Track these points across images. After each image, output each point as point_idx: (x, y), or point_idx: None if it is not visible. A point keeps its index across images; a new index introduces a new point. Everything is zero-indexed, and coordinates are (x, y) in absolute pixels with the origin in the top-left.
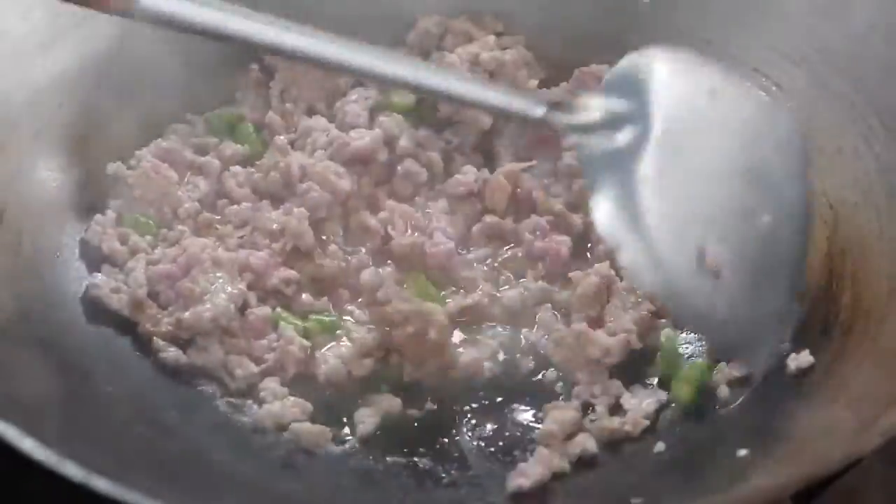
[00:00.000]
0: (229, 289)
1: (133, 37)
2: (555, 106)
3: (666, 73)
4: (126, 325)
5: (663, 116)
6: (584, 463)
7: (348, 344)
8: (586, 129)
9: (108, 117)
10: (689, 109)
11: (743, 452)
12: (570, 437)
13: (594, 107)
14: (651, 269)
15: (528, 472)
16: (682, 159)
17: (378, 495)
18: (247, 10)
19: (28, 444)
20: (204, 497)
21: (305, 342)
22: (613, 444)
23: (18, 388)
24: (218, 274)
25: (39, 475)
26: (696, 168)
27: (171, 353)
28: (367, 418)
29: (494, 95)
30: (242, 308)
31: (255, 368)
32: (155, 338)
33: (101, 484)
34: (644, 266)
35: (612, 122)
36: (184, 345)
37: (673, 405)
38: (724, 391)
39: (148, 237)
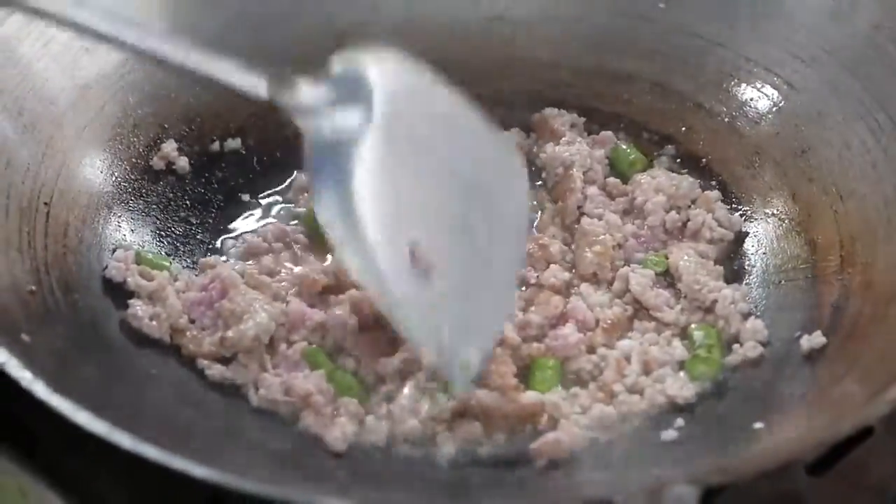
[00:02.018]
0: (268, 307)
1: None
2: (279, 84)
3: (387, 71)
4: None
5: (384, 111)
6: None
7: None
8: (311, 111)
9: (148, 117)
10: (408, 105)
11: (759, 425)
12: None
13: (318, 92)
14: (367, 263)
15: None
16: (402, 153)
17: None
18: None
19: (83, 417)
20: (244, 470)
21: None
22: (632, 418)
23: (69, 367)
24: (254, 295)
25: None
26: (414, 165)
27: (217, 369)
28: None
29: (221, 68)
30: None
31: (281, 395)
32: (198, 358)
33: (149, 451)
34: (362, 261)
35: (335, 108)
36: (226, 361)
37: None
38: (739, 369)
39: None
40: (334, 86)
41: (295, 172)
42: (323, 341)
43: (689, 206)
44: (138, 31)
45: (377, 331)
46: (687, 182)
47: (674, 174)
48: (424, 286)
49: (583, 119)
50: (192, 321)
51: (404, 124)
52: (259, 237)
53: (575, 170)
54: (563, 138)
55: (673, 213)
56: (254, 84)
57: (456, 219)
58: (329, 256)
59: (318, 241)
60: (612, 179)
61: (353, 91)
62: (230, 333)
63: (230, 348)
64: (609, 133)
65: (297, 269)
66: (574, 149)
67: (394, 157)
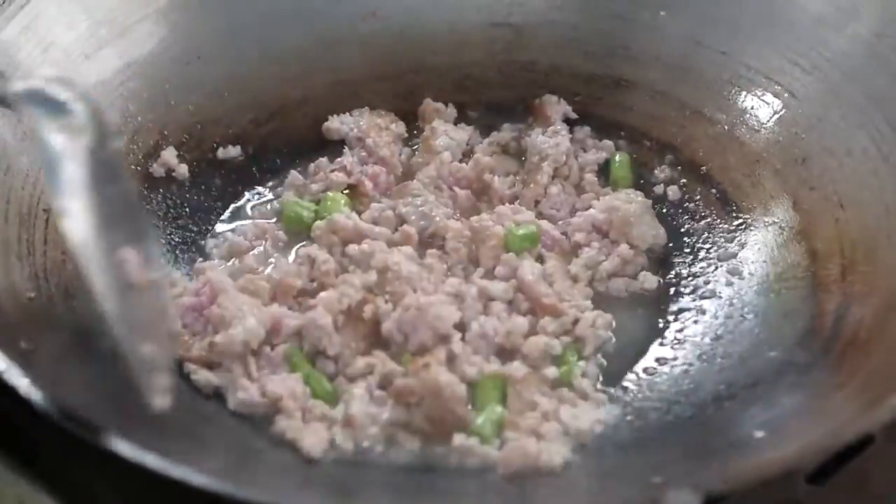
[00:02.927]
0: (256, 311)
1: (173, 46)
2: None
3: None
4: None
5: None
6: (605, 444)
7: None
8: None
9: (147, 124)
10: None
11: (759, 434)
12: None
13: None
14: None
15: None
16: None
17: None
18: None
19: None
20: (245, 479)
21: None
22: (633, 427)
23: (69, 374)
24: (242, 301)
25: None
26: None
27: (203, 375)
28: None
29: None
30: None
31: (257, 398)
32: (186, 362)
33: (149, 459)
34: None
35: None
36: (215, 367)
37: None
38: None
39: None
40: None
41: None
42: (303, 344)
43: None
44: None
45: (356, 330)
46: (648, 231)
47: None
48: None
49: (575, 116)
50: (185, 326)
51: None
52: (240, 235)
53: (546, 164)
54: (551, 127)
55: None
56: None
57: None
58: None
59: (297, 238)
60: (590, 177)
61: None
62: (218, 338)
63: (218, 354)
64: (609, 143)
65: (273, 273)
66: (554, 141)
67: (97, 173)
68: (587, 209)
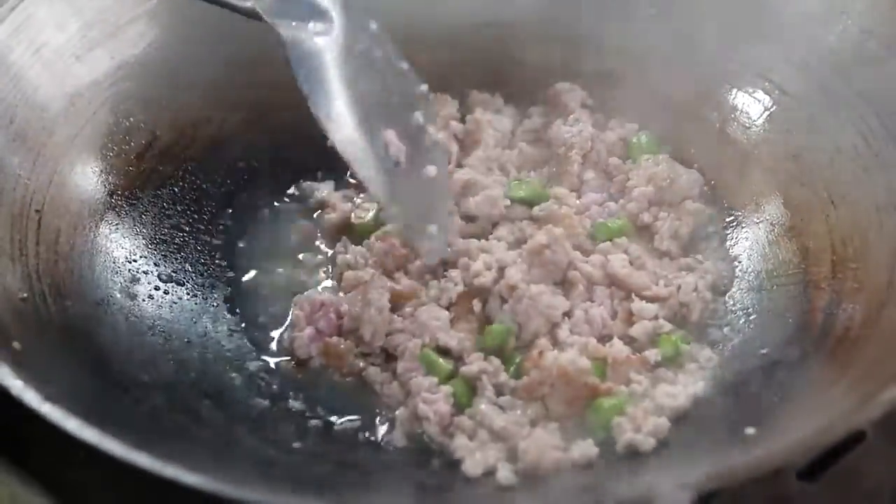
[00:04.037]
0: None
1: (164, 46)
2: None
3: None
4: (154, 321)
5: (341, 23)
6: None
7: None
8: (282, 14)
9: (139, 124)
10: (354, 24)
11: (750, 431)
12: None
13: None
14: (356, 151)
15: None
16: (359, 62)
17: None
18: None
19: (73, 425)
20: (235, 476)
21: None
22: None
23: (61, 374)
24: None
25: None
26: (367, 74)
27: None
28: None
29: None
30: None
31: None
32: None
33: (141, 459)
34: (350, 148)
35: (305, 15)
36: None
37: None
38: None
39: None
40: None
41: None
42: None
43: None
44: None
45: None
46: (686, 177)
47: (679, 167)
48: (397, 175)
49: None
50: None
51: (355, 39)
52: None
53: (574, 152)
54: (572, 115)
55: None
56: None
57: (400, 124)
58: None
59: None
60: (613, 160)
61: (313, 8)
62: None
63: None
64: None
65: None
66: (577, 129)
67: (354, 64)
68: (625, 190)
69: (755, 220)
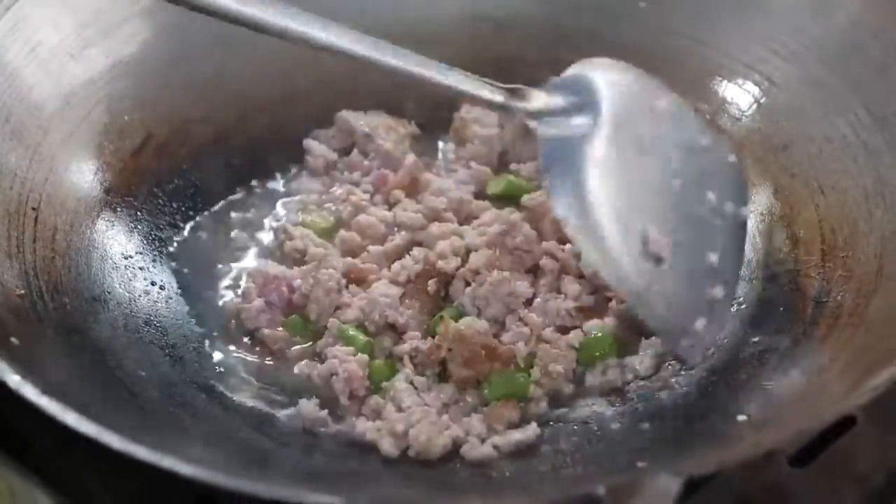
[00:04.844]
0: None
1: (159, 45)
2: (512, 93)
3: (613, 77)
4: (150, 316)
5: (611, 112)
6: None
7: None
8: (542, 114)
9: (134, 122)
10: (632, 108)
11: (741, 418)
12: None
13: (548, 98)
14: (601, 251)
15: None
16: (628, 151)
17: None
18: None
19: (71, 418)
20: (231, 468)
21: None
22: (619, 414)
23: (58, 369)
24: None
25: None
26: (639, 162)
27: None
28: None
29: (460, 80)
30: None
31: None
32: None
33: (138, 451)
34: (595, 248)
35: (566, 112)
36: None
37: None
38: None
39: None
40: (562, 90)
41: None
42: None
43: None
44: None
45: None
46: None
47: None
48: (656, 272)
49: None
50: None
51: (629, 125)
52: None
53: None
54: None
55: None
56: (492, 94)
57: (677, 205)
58: None
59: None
60: None
61: (581, 95)
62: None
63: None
64: None
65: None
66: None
67: (619, 154)
68: None
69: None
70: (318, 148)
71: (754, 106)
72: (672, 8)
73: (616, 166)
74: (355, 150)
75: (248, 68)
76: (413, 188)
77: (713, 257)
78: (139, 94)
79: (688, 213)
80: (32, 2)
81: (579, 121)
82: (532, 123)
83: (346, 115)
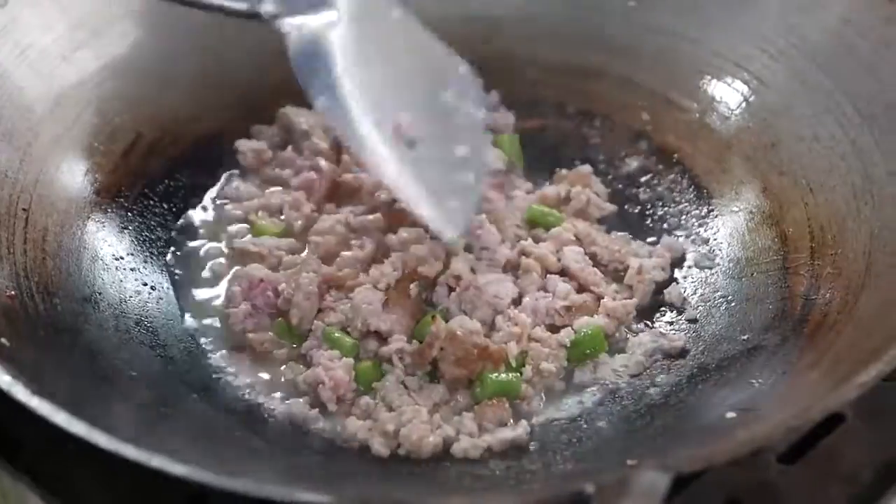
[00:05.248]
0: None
1: (149, 46)
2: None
3: None
4: (141, 317)
5: (350, 9)
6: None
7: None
8: (283, 14)
9: (125, 123)
10: (370, 9)
11: (731, 415)
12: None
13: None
14: (360, 137)
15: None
16: (371, 47)
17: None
18: None
19: (62, 419)
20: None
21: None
22: (609, 412)
23: (49, 369)
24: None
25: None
26: (383, 58)
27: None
28: None
29: None
30: None
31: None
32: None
33: (128, 451)
34: (354, 134)
35: (307, 14)
36: None
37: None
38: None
39: None
40: None
41: None
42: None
43: None
44: None
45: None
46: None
47: None
48: (409, 153)
49: None
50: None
51: (368, 24)
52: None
53: None
54: None
55: None
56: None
57: (425, 108)
58: None
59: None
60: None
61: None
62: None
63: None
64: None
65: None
66: None
67: (364, 47)
68: None
69: (735, 208)
70: (245, 144)
71: (743, 104)
72: (661, 7)
73: (364, 58)
74: (290, 147)
75: (237, 69)
76: (340, 192)
77: (461, 150)
78: (129, 95)
79: (433, 109)
80: (23, 3)
81: (322, 18)
82: (278, 27)
83: (287, 111)
